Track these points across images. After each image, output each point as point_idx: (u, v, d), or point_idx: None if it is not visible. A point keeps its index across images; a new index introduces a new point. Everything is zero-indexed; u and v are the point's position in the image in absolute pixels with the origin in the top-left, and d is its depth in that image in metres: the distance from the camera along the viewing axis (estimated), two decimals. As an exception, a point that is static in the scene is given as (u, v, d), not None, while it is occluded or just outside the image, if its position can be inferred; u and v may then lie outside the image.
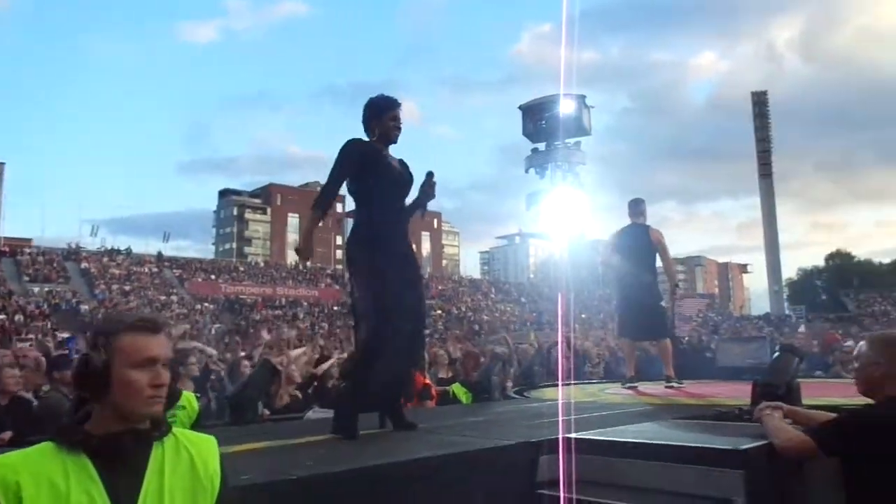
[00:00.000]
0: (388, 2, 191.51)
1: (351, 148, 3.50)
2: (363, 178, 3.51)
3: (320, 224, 3.74)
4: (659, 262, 6.52)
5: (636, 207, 6.55)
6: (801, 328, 24.81)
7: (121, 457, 1.42)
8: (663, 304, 6.64)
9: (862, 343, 2.58)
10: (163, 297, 36.52)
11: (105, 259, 39.76)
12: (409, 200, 3.70)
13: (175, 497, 1.44)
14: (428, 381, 6.53)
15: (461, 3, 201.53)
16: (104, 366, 1.42)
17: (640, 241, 6.39)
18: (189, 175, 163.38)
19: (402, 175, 3.63)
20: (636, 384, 6.20)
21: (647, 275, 6.46)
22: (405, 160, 3.72)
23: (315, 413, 5.15)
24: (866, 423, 2.36)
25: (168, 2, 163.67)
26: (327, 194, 3.52)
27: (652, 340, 6.82)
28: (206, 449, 1.54)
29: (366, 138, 3.58)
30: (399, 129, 3.60)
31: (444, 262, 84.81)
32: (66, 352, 8.75)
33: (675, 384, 6.01)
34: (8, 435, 4.02)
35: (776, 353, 4.13)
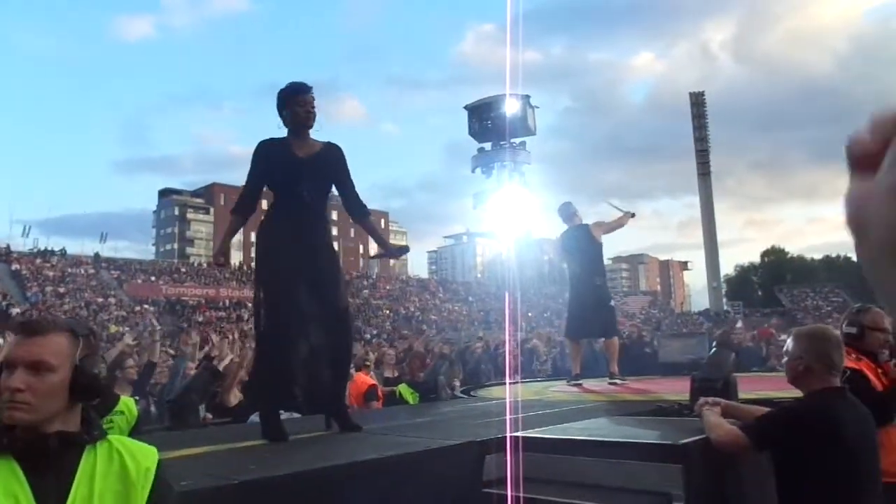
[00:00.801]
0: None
1: (258, 149, 3.53)
2: (271, 174, 3.51)
3: (240, 229, 3.76)
4: (608, 260, 6.69)
5: (566, 211, 6.72)
6: (739, 323, 25.62)
7: (48, 460, 1.40)
8: (612, 303, 6.75)
9: (789, 338, 2.69)
10: (100, 300, 35.31)
11: (38, 260, 38.18)
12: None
13: (105, 502, 1.41)
14: (374, 381, 6.50)
15: (404, 2, 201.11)
16: None
17: (584, 242, 6.51)
18: (125, 174, 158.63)
19: (313, 163, 3.52)
20: (581, 381, 6.30)
21: (595, 275, 6.56)
22: (334, 142, 3.65)
23: (257, 417, 5.05)
24: (793, 417, 2.46)
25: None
26: (245, 198, 3.59)
27: (600, 338, 6.99)
28: (142, 453, 1.51)
29: (282, 134, 3.56)
30: (310, 113, 3.51)
31: (392, 262, 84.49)
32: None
33: (618, 381, 6.14)
34: None
35: (713, 349, 4.27)
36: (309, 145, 3.56)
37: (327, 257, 3.59)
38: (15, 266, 36.38)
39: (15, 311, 30.70)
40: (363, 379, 6.21)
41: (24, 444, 1.40)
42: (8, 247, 38.87)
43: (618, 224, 6.73)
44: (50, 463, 1.41)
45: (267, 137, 3.55)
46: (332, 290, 3.53)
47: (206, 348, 7.02)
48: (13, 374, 1.41)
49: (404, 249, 4.63)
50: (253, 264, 3.61)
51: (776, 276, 68.91)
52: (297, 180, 3.46)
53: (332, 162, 3.60)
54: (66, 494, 1.39)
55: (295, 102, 3.49)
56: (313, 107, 3.53)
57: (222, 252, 3.80)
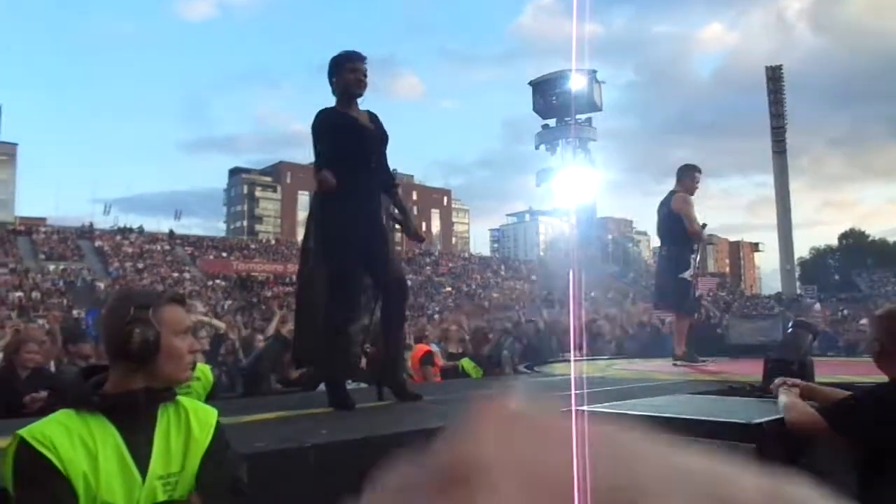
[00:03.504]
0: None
1: (322, 119, 3.46)
2: (331, 142, 3.41)
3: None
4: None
5: (678, 174, 6.26)
6: (817, 306, 24.54)
7: (135, 413, 1.52)
8: (684, 276, 6.08)
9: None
10: (175, 275, 36.77)
11: (118, 237, 40.01)
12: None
13: (176, 456, 1.53)
14: (430, 348, 6.58)
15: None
16: (156, 335, 1.51)
17: (664, 209, 6.17)
18: (190, 154, 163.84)
19: (370, 130, 3.52)
20: (681, 363, 5.85)
21: (665, 244, 6.28)
22: (375, 113, 3.62)
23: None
24: (878, 402, 2.35)
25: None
26: (320, 163, 3.42)
27: (668, 313, 6.53)
28: (205, 413, 1.63)
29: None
30: (361, 81, 3.48)
31: (454, 239, 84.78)
32: (84, 327, 8.84)
33: (680, 363, 5.85)
34: (44, 394, 4.07)
35: (790, 330, 4.12)
36: (361, 114, 3.54)
37: (386, 227, 3.57)
38: (98, 243, 38.27)
39: (99, 285, 32.33)
40: (420, 346, 6.31)
41: (114, 399, 1.51)
42: (91, 225, 40.89)
43: (689, 224, 6.00)
44: (136, 417, 1.51)
45: (324, 108, 3.51)
46: (392, 260, 3.55)
47: (275, 321, 7.21)
48: (190, 338, 1.62)
49: (421, 238, 4.18)
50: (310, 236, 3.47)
51: (855, 259, 65.74)
52: (365, 148, 3.46)
53: (382, 130, 3.60)
54: (150, 447, 1.50)
55: (347, 69, 3.46)
56: (365, 75, 3.50)
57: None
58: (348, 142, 3.43)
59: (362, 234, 3.36)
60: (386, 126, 3.66)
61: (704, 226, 6.16)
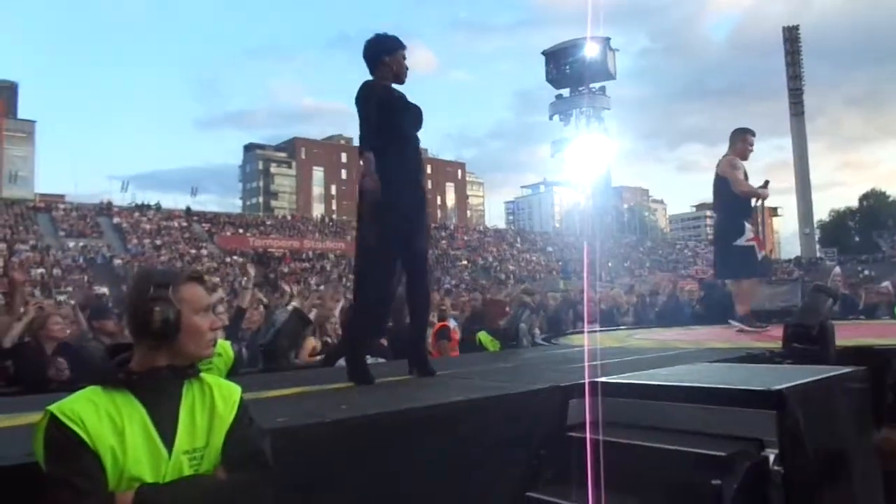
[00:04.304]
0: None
1: (372, 90, 3.43)
2: (386, 117, 3.39)
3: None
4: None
5: (730, 138, 6.12)
6: (836, 269, 24.20)
7: (160, 389, 1.55)
8: (739, 242, 5.83)
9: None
10: (193, 251, 37.10)
11: (136, 214, 40.36)
12: None
13: (201, 431, 1.56)
14: (446, 322, 6.61)
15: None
16: (177, 313, 1.54)
17: (715, 177, 6.05)
18: (206, 129, 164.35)
19: (417, 109, 3.59)
20: (743, 326, 5.77)
21: (718, 211, 6.19)
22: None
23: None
24: None
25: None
26: (374, 137, 3.36)
27: (730, 279, 6.24)
28: (228, 390, 1.65)
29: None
30: (407, 68, 3.57)
31: (469, 212, 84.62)
32: (107, 303, 8.95)
33: (736, 324, 5.80)
34: (64, 364, 4.17)
35: (809, 295, 4.09)
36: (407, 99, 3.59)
37: (425, 208, 3.60)
38: (116, 220, 38.62)
39: (117, 261, 32.71)
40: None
41: (139, 376, 1.54)
42: (110, 202, 41.22)
43: (738, 184, 5.82)
44: (161, 394, 1.55)
45: (370, 80, 3.49)
46: (425, 238, 3.59)
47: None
48: (211, 315, 1.65)
49: None
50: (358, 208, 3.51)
51: (876, 221, 64.80)
52: (412, 125, 3.53)
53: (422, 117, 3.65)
54: (175, 422, 1.54)
55: (401, 56, 3.52)
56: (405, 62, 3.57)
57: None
58: (403, 119, 3.48)
59: (404, 213, 3.38)
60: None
61: (767, 183, 6.01)
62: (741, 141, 6.02)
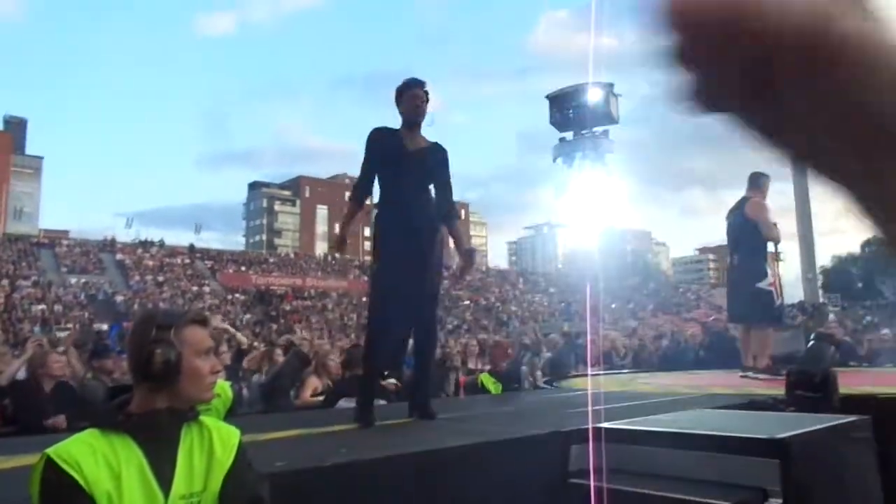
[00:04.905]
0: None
1: (370, 136, 3.60)
2: (382, 164, 3.57)
3: (357, 215, 3.77)
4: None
5: (750, 181, 6.03)
6: (831, 317, 24.03)
7: (159, 432, 1.54)
8: (762, 286, 5.77)
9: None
10: (195, 288, 37.07)
11: (139, 251, 40.48)
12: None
13: (199, 475, 1.54)
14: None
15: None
16: (177, 356, 1.53)
17: (735, 217, 5.99)
18: (210, 168, 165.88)
19: (421, 158, 3.59)
20: (749, 374, 5.66)
21: (738, 254, 6.02)
22: (441, 144, 3.71)
23: (347, 402, 5.19)
24: None
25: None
26: (359, 185, 3.63)
27: (748, 325, 6.03)
28: (228, 433, 1.64)
29: (395, 125, 3.63)
30: (418, 107, 3.58)
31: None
32: (107, 342, 8.93)
33: (750, 375, 5.62)
34: (63, 419, 4.14)
35: (811, 342, 4.07)
36: (417, 140, 3.62)
37: (428, 254, 3.55)
38: (119, 256, 38.73)
39: (119, 298, 32.69)
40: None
41: (138, 419, 1.54)
42: (113, 239, 41.40)
43: (767, 229, 5.83)
44: (159, 437, 1.54)
45: (381, 126, 3.63)
46: (429, 282, 3.56)
47: (292, 336, 7.24)
48: (213, 358, 1.64)
49: (462, 275, 4.41)
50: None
51: (879, 266, 64.64)
52: (402, 172, 3.54)
53: (437, 161, 3.66)
54: (174, 467, 1.52)
55: (406, 97, 3.57)
56: (422, 101, 3.59)
57: (341, 240, 4.02)
58: (389, 163, 3.55)
59: (398, 251, 3.44)
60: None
61: (775, 225, 6.00)
62: (764, 185, 6.00)
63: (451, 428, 3.18)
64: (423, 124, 3.65)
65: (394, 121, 3.67)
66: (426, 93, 3.60)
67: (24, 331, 21.18)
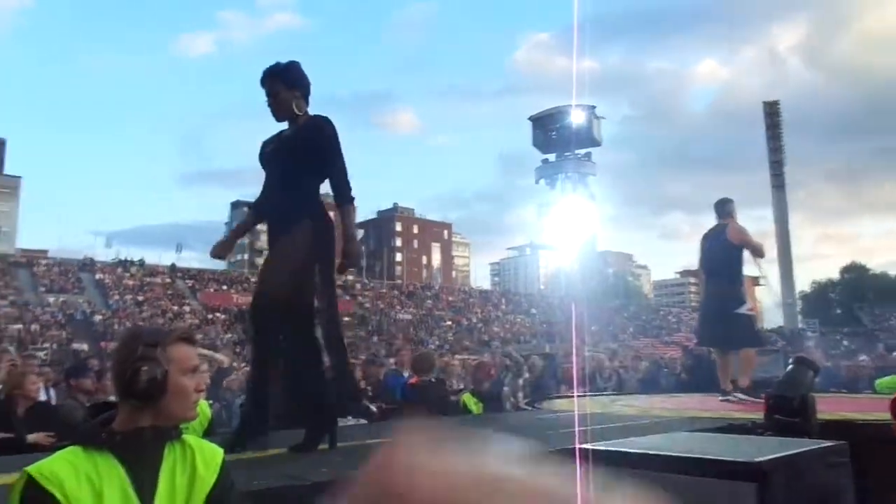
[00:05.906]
0: (382, 11, 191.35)
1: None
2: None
3: (250, 223, 3.67)
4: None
5: (720, 208, 6.14)
6: (810, 342, 24.29)
7: (141, 450, 1.53)
8: (742, 311, 5.87)
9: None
10: (175, 308, 36.72)
11: (119, 270, 40.06)
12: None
13: (181, 494, 1.54)
14: None
15: (456, 13, 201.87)
16: (164, 373, 1.53)
17: (712, 242, 6.03)
18: (191, 187, 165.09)
19: (277, 148, 3.28)
20: (730, 398, 5.66)
21: (714, 279, 6.02)
22: (318, 120, 3.25)
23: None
24: None
25: (163, 14, 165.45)
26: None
27: (730, 350, 6.02)
28: (210, 452, 1.63)
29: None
30: (269, 104, 3.25)
31: (454, 273, 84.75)
32: (86, 361, 8.81)
33: (731, 398, 5.60)
34: (43, 435, 4.07)
35: (790, 366, 4.12)
36: (287, 130, 3.30)
37: (299, 251, 3.08)
38: (98, 275, 38.28)
39: (97, 317, 32.27)
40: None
41: (121, 437, 1.53)
42: (92, 259, 40.94)
43: (756, 248, 6.05)
44: (143, 455, 1.53)
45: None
46: (303, 290, 3.11)
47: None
48: (198, 376, 1.63)
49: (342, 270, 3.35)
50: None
51: (857, 293, 65.54)
52: (272, 164, 3.29)
53: (290, 145, 3.21)
54: (155, 485, 1.52)
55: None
56: (269, 95, 3.23)
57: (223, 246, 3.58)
58: (266, 166, 3.33)
59: (270, 267, 3.23)
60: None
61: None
62: (733, 211, 6.13)
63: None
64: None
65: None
66: (268, 91, 3.24)
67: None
